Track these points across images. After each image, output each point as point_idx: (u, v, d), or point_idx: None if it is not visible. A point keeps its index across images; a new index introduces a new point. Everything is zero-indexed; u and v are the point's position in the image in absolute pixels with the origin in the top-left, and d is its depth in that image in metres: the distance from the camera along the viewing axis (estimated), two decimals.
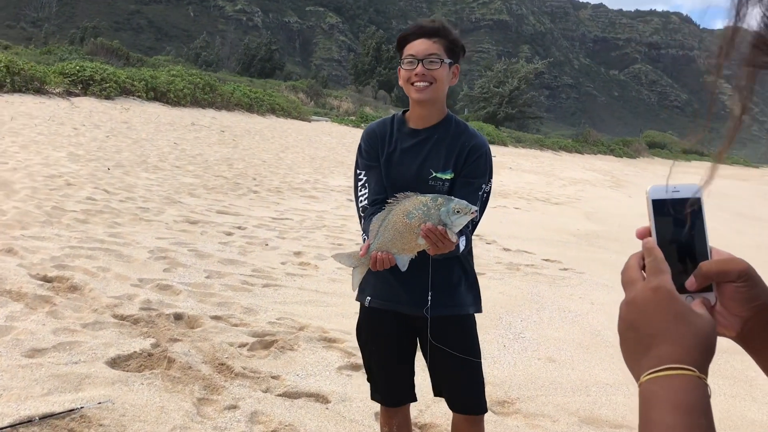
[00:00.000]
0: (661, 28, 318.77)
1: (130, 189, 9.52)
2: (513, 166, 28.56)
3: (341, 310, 5.24)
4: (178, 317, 4.51)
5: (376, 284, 2.47)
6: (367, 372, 2.71)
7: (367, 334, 2.61)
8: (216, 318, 4.62)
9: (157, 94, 27.34)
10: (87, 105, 22.42)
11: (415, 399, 2.67)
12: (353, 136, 32.94)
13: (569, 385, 4.21)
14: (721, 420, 3.98)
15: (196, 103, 29.13)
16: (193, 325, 4.44)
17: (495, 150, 43.00)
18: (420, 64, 2.32)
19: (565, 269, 7.98)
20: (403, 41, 2.41)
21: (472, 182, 2.37)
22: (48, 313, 4.20)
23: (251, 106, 32.47)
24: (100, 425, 2.88)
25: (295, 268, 6.53)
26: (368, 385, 3.78)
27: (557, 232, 11.52)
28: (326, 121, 39.43)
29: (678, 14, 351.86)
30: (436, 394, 2.61)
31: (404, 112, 2.53)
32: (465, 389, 2.50)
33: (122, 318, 4.33)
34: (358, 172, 2.52)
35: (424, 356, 2.52)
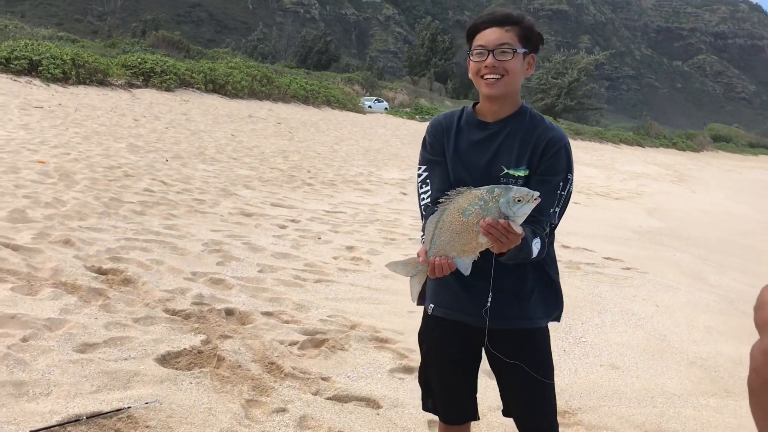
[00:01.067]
0: (729, 17, 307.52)
1: (187, 180, 9.60)
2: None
3: (393, 308, 5.12)
4: (229, 312, 4.46)
5: (438, 291, 2.27)
6: (421, 383, 2.51)
7: (429, 344, 2.40)
8: (267, 314, 4.55)
9: (215, 86, 27.75)
10: (148, 97, 22.89)
11: (477, 417, 2.47)
12: (408, 128, 32.79)
13: (634, 395, 3.98)
14: None
15: (254, 95, 29.45)
16: (244, 321, 4.38)
17: None
18: (490, 55, 2.13)
19: (628, 268, 7.67)
20: (474, 31, 2.21)
21: (550, 180, 2.15)
22: (101, 306, 4.20)
23: (307, 98, 32.66)
24: (147, 426, 2.82)
25: (348, 263, 6.43)
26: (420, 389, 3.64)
27: (618, 229, 11.15)
28: (381, 112, 39.37)
29: (747, 2, 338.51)
30: (505, 414, 2.42)
31: (475, 104, 2.32)
32: (534, 410, 2.30)
33: (174, 313, 4.29)
34: (420, 168, 2.32)
35: (492, 370, 2.35)
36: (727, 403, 4.02)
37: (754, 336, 6.09)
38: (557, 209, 2.17)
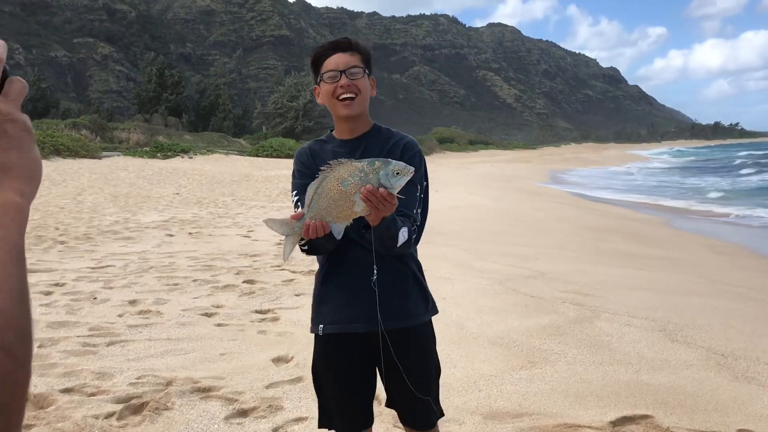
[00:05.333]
0: (432, 30, 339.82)
1: None
2: None
3: (203, 355, 4.88)
4: None
5: (327, 311, 2.36)
6: (319, 405, 2.52)
7: (323, 364, 2.44)
8: (67, 391, 4.07)
9: None
10: None
11: (371, 423, 2.53)
12: (152, 167, 31.34)
13: (459, 384, 4.19)
14: (603, 387, 4.21)
15: None
16: (42, 404, 3.87)
17: None
18: (343, 76, 2.29)
19: None
20: (320, 59, 2.36)
21: (412, 181, 2.32)
22: None
23: None
24: None
25: (136, 318, 5.99)
26: (265, 427, 3.53)
27: None
28: (118, 155, 37.21)
29: (445, 16, 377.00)
30: (388, 405, 2.53)
31: (331, 130, 2.49)
32: (420, 404, 2.42)
33: None
34: (292, 193, 2.41)
35: (379, 371, 2.43)
36: (534, 372, 4.44)
37: (530, 308, 6.74)
38: (419, 210, 2.35)
